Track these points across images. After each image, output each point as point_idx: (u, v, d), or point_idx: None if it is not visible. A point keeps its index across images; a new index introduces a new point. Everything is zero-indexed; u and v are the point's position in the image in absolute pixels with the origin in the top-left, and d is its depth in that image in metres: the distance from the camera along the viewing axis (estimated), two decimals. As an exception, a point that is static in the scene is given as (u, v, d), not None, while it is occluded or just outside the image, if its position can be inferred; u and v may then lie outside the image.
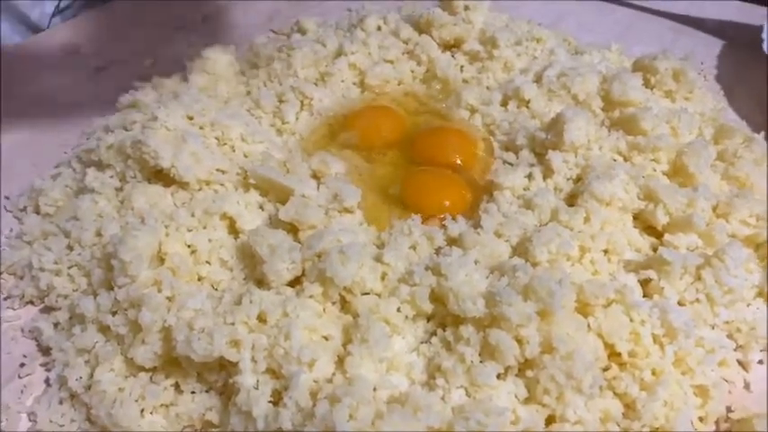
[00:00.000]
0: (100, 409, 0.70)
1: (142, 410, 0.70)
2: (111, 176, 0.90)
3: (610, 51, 1.14)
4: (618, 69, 1.06)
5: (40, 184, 0.95)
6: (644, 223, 0.87)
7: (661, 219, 0.84)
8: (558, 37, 1.19)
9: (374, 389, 0.66)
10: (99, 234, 0.83)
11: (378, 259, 0.77)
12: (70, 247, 0.84)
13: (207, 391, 0.72)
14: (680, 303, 0.78)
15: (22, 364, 0.78)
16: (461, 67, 1.12)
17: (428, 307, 0.74)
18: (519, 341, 0.69)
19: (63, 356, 0.75)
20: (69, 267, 0.82)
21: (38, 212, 0.93)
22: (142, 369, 0.73)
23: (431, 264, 0.76)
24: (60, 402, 0.73)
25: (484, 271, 0.76)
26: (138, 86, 1.09)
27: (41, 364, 0.78)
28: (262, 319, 0.71)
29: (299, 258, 0.76)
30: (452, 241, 0.83)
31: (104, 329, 0.75)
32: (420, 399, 0.65)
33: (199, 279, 0.79)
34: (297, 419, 0.64)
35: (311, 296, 0.74)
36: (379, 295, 0.76)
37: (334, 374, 0.68)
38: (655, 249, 0.84)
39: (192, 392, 0.72)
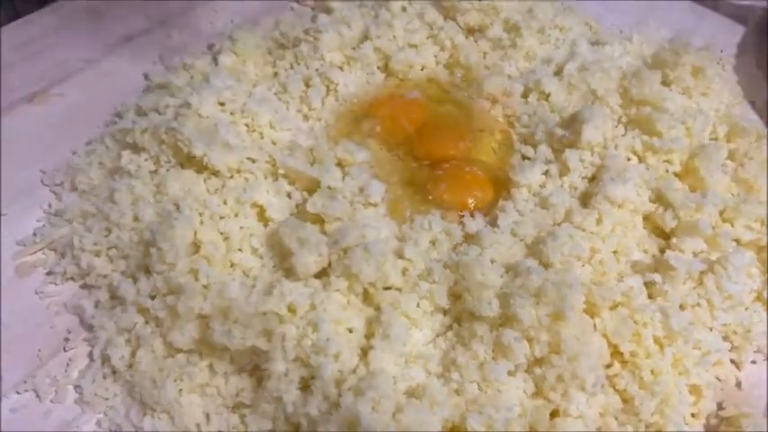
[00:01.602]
0: (142, 386, 0.76)
1: (180, 390, 0.76)
2: (146, 159, 0.94)
3: (630, 42, 1.15)
4: (637, 65, 1.08)
5: (76, 161, 0.99)
6: (653, 224, 0.91)
7: (669, 222, 0.89)
8: (580, 24, 1.20)
9: (395, 382, 0.72)
10: (136, 219, 0.88)
11: (399, 254, 0.82)
12: (109, 229, 0.88)
13: (239, 374, 0.78)
14: (681, 307, 0.83)
15: (67, 339, 0.84)
16: (484, 54, 1.14)
17: (446, 303, 0.79)
18: (529, 341, 0.74)
19: (105, 334, 0.81)
20: (108, 249, 0.87)
21: (74, 189, 0.97)
22: (179, 351, 0.78)
23: (449, 261, 0.81)
24: (104, 377, 0.79)
25: (499, 269, 0.81)
26: (168, 65, 1.11)
27: (84, 339, 0.84)
28: (291, 309, 0.76)
29: (326, 252, 0.81)
30: (470, 238, 0.88)
31: (144, 312, 0.80)
32: (436, 392, 0.71)
33: (231, 266, 0.84)
34: (323, 406, 0.71)
35: (337, 290, 0.79)
36: (400, 290, 0.81)
37: (357, 366, 0.74)
38: (662, 251, 0.89)
39: (226, 374, 0.78)
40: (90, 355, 0.82)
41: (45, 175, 1.02)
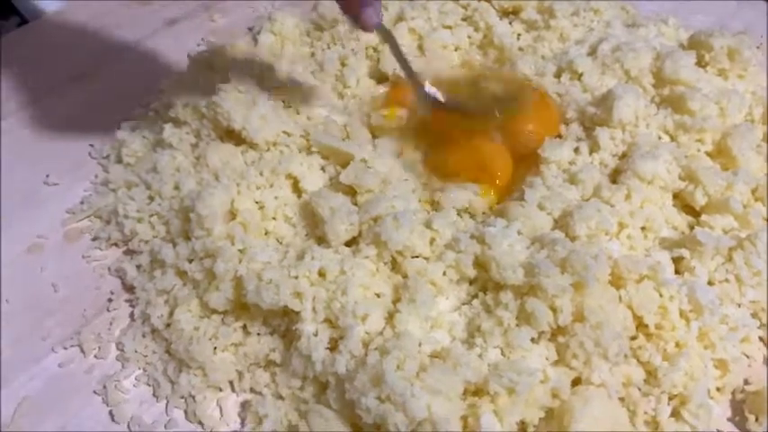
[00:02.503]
0: (179, 344, 0.79)
1: (215, 348, 0.80)
2: (187, 133, 0.98)
3: (666, 25, 1.15)
4: (672, 47, 1.08)
5: (122, 135, 1.04)
6: (683, 202, 0.91)
7: (699, 200, 0.89)
8: (615, 7, 1.20)
9: (419, 344, 0.74)
10: (177, 188, 0.92)
11: (427, 225, 0.84)
12: (151, 198, 0.93)
13: (271, 334, 0.81)
14: (709, 282, 0.83)
15: (110, 300, 0.88)
16: (518, 35, 1.15)
17: (471, 272, 0.81)
18: (553, 309, 0.76)
19: (146, 296, 0.85)
20: (150, 216, 0.92)
21: (120, 162, 1.02)
22: (215, 312, 0.82)
23: (476, 232, 0.83)
24: (143, 336, 0.83)
25: (525, 241, 0.82)
26: (210, 44, 1.16)
27: (126, 300, 0.89)
28: (321, 274, 0.79)
29: (357, 221, 0.84)
30: (498, 212, 0.89)
31: (182, 274, 0.84)
32: (460, 355, 0.73)
33: (266, 234, 0.88)
34: (350, 365, 0.73)
35: (366, 257, 0.81)
36: (427, 259, 0.83)
37: (384, 328, 0.76)
38: (691, 228, 0.89)
39: (258, 334, 0.81)
40: (131, 315, 0.87)
41: (93, 148, 1.07)
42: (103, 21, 1.32)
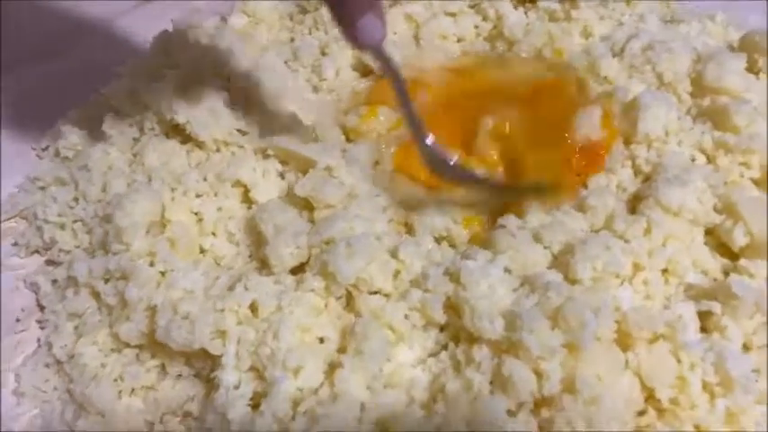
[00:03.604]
0: (78, 383, 0.66)
1: (120, 392, 0.66)
2: (130, 126, 0.84)
3: (713, 22, 0.96)
4: (717, 47, 0.90)
5: (63, 125, 0.91)
6: (717, 240, 0.74)
7: (739, 239, 0.71)
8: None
9: (362, 409, 0.59)
10: (105, 190, 0.78)
11: (393, 254, 0.68)
12: (76, 200, 0.79)
13: (196, 376, 0.67)
14: (745, 347, 0.66)
15: (18, 319, 0.75)
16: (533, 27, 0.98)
17: (441, 317, 0.65)
18: (538, 374, 0.60)
19: (54, 319, 0.72)
20: (74, 222, 0.78)
21: (58, 155, 0.89)
22: (128, 345, 0.68)
23: (452, 267, 0.67)
24: (47, 366, 0.70)
25: (512, 282, 0.66)
26: (177, 27, 1.01)
27: (38, 321, 0.75)
28: (254, 309, 0.65)
29: (305, 243, 0.69)
30: (483, 241, 0.73)
31: (97, 296, 0.71)
32: (415, 426, 0.58)
33: (201, 251, 0.73)
34: (273, 430, 0.58)
35: (312, 290, 0.66)
36: (388, 296, 0.67)
37: (322, 385, 0.61)
38: (726, 274, 0.71)
39: (180, 376, 0.68)
40: (39, 340, 0.73)
41: (33, 138, 0.94)
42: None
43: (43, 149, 0.92)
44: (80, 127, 0.89)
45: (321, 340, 0.65)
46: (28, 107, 0.99)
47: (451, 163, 0.73)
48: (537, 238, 0.71)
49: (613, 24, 0.97)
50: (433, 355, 0.66)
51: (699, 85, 0.85)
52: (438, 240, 0.74)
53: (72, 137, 0.88)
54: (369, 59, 0.90)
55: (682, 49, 0.87)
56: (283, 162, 0.80)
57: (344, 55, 0.92)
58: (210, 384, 0.66)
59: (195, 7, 1.16)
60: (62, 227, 0.78)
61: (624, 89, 0.83)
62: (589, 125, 0.80)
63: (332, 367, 0.62)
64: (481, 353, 0.62)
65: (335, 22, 0.64)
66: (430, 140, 0.70)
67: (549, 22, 0.97)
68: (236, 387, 0.62)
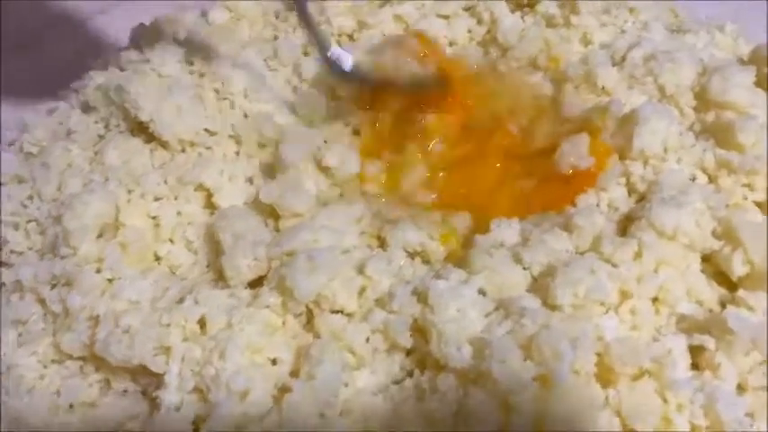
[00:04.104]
0: (12, 397, 0.61)
1: (57, 407, 0.61)
2: (96, 122, 0.80)
3: (722, 33, 0.90)
4: (725, 59, 0.84)
5: (29, 119, 0.86)
6: (715, 268, 0.68)
7: (738, 268, 0.65)
8: (659, 8, 0.95)
9: (311, 439, 0.54)
10: (61, 189, 0.73)
11: (360, 270, 0.63)
12: (31, 198, 0.74)
13: (143, 393, 0.62)
14: (740, 388, 0.60)
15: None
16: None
17: (406, 341, 0.60)
18: (507, 410, 0.54)
19: (-6, 326, 0.67)
20: (28, 222, 0.74)
21: (21, 150, 0.84)
22: (71, 357, 0.63)
23: (421, 286, 0.61)
24: (-17, 377, 0.65)
25: (487, 305, 0.61)
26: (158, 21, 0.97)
27: (-19, 328, 0.70)
28: (203, 325, 0.59)
29: (264, 255, 0.63)
30: (459, 259, 0.68)
31: (42, 303, 0.66)
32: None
33: (156, 259, 0.68)
34: (213, 458, 0.53)
35: (267, 306, 0.61)
36: (351, 316, 0.62)
37: (270, 410, 0.56)
38: (724, 305, 0.65)
39: (125, 392, 0.62)
40: (-19, 348, 0.68)
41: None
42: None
43: (9, 145, 0.87)
44: (47, 123, 0.85)
45: (274, 362, 0.59)
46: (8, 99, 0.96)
47: (347, 69, 0.78)
48: (516, 258, 0.65)
49: (615, 32, 0.91)
50: (398, 382, 0.61)
51: (703, 99, 0.79)
52: (412, 256, 0.68)
53: (37, 132, 0.83)
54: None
55: (686, 59, 0.81)
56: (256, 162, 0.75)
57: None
58: (155, 403, 0.61)
59: (182, 6, 1.12)
60: (15, 227, 0.73)
61: (619, 102, 0.77)
62: (575, 154, 0.74)
63: (282, 391, 0.57)
64: (447, 382, 0.57)
65: None
66: (333, 50, 0.76)
67: (547, 27, 0.92)
68: (178, 409, 0.57)
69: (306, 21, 0.75)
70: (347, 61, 0.76)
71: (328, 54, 0.76)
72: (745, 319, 0.61)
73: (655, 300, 0.64)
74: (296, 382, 0.56)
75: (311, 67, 0.85)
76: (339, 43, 0.90)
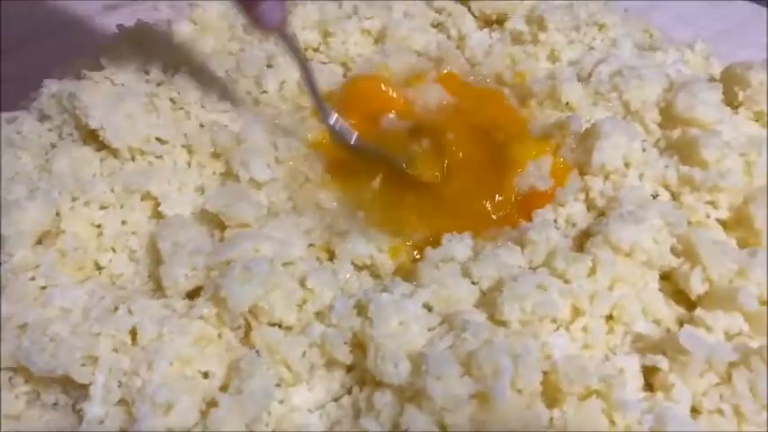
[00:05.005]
0: (-67, 408, 0.58)
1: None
2: (50, 129, 0.78)
3: (692, 52, 0.88)
4: (692, 76, 0.82)
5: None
6: (674, 287, 0.65)
7: (696, 287, 0.63)
8: (631, 26, 0.94)
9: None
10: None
11: (302, 282, 0.61)
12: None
13: (66, 407, 0.59)
14: (694, 410, 0.57)
15: None
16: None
17: (345, 356, 0.57)
18: (442, 428, 0.51)
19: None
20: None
21: (-24, 158, 0.83)
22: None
23: (364, 299, 0.59)
24: None
25: (431, 320, 0.59)
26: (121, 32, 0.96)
27: None
28: (133, 335, 0.57)
29: (202, 265, 0.61)
30: (406, 272, 0.65)
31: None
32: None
33: (97, 268, 0.66)
34: (133, 475, 0.50)
35: (201, 317, 0.58)
36: (289, 329, 0.59)
37: (195, 426, 0.53)
38: (681, 324, 0.62)
39: (55, 404, 0.60)
40: None
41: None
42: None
43: (-33, 152, 0.86)
44: (6, 130, 0.83)
45: (205, 375, 0.57)
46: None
47: (352, 141, 0.74)
48: (465, 272, 0.63)
49: (584, 49, 0.90)
50: (337, 399, 0.58)
51: (669, 115, 0.78)
52: (360, 269, 0.66)
53: (-9, 139, 0.82)
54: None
55: (653, 75, 0.80)
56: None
57: (290, 69, 0.86)
58: (80, 416, 0.58)
59: (155, 19, 1.11)
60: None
61: (578, 118, 0.75)
62: (536, 175, 0.73)
63: (211, 406, 0.54)
64: (383, 399, 0.54)
65: (238, 7, 0.65)
66: (333, 119, 0.74)
67: (515, 44, 0.90)
68: (102, 422, 0.54)
69: (313, 89, 0.73)
70: (351, 135, 0.74)
71: (331, 122, 0.74)
72: (699, 339, 0.58)
73: (609, 318, 0.62)
74: (223, 396, 0.54)
75: (272, 78, 0.84)
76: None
